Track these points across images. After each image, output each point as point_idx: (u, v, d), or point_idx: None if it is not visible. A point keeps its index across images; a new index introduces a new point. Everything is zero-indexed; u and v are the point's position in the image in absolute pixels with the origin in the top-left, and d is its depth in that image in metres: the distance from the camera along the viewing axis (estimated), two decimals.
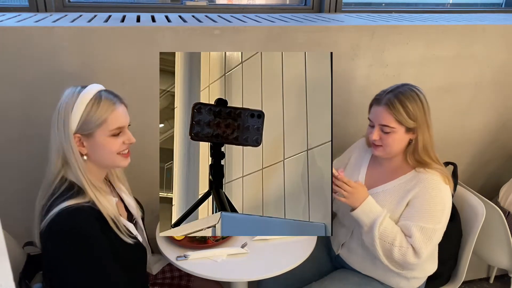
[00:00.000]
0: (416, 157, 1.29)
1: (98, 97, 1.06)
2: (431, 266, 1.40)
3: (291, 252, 1.32)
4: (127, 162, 1.13)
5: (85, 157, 1.07)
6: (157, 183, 1.66)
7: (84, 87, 1.08)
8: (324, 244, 1.57)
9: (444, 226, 1.25)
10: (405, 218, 1.26)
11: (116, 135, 1.08)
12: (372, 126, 1.31)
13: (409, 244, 1.22)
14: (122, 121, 1.08)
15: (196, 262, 1.25)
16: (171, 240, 1.34)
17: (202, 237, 1.35)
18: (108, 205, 1.07)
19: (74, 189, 1.04)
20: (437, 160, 1.31)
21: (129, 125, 1.13)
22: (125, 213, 1.24)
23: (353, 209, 1.27)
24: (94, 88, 1.08)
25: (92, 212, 1.03)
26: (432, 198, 1.25)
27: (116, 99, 1.09)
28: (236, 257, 1.28)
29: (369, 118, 1.33)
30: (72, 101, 1.04)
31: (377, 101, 1.30)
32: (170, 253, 1.30)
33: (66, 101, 1.05)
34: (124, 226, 1.12)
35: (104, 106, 1.05)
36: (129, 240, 1.11)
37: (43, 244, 1.03)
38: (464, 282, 1.60)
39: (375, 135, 1.29)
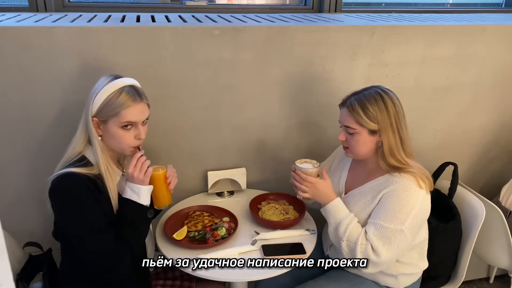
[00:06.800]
0: (385, 161, 1.28)
1: (120, 91, 1.15)
2: (419, 263, 1.40)
3: None
4: (134, 153, 1.22)
5: (99, 138, 1.19)
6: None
7: (118, 77, 1.18)
8: (319, 244, 1.57)
9: (409, 228, 1.22)
10: (371, 217, 1.28)
11: (126, 128, 1.17)
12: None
13: (368, 241, 1.23)
14: (134, 117, 1.17)
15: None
16: (171, 240, 1.34)
17: (202, 237, 1.35)
18: (113, 180, 1.20)
19: (84, 161, 1.17)
20: (406, 163, 1.28)
21: (146, 119, 1.22)
22: None
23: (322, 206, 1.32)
24: (122, 82, 1.17)
25: (87, 180, 1.13)
26: (400, 200, 1.23)
27: (136, 97, 1.17)
28: (247, 255, 1.28)
29: (339, 120, 1.35)
30: (99, 88, 1.16)
31: (343, 102, 1.34)
32: (171, 253, 1.30)
33: (96, 87, 1.17)
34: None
35: (121, 100, 1.14)
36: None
37: (50, 200, 1.14)
38: (464, 282, 1.60)
39: (341, 136, 1.33)
